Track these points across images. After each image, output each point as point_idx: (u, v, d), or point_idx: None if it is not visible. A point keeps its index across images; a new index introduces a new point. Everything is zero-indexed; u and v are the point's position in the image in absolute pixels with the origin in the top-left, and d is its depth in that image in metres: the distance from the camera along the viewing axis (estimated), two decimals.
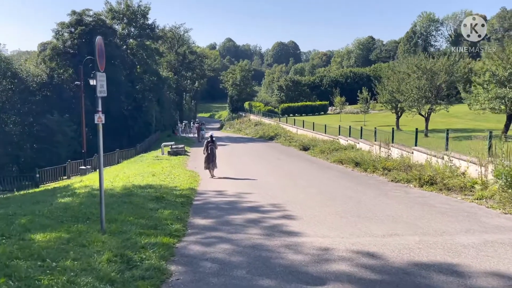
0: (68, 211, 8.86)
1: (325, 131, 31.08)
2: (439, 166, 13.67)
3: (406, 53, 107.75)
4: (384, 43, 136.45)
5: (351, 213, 8.71)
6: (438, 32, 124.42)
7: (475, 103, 24.20)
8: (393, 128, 20.65)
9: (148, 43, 50.80)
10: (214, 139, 17.08)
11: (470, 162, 12.68)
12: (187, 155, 27.01)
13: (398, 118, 37.13)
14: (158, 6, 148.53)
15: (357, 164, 18.42)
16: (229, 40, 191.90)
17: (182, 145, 29.57)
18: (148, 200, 10.28)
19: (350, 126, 27.12)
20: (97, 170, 30.05)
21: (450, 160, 13.09)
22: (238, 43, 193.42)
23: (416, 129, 17.80)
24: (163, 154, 28.11)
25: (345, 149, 23.65)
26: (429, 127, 30.72)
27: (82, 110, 28.19)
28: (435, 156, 15.11)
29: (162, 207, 9.37)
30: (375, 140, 21.72)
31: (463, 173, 12.94)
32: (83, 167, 28.15)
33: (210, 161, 16.25)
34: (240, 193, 11.93)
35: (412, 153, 17.21)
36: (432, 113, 30.68)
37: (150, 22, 50.27)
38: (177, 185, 13.13)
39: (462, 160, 13.27)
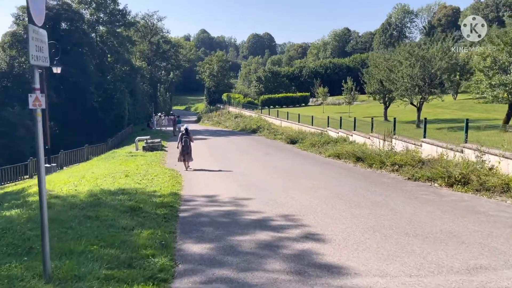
0: (7, 234, 6.36)
1: (312, 123, 29.07)
2: (462, 161, 11.79)
3: (382, 45, 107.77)
4: (360, 34, 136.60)
5: (393, 229, 6.59)
6: (413, 23, 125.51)
7: (476, 91, 22.57)
8: (394, 119, 18.73)
9: (119, 30, 47.32)
10: (189, 131, 16.71)
11: (503, 156, 10.83)
12: (164, 150, 24.46)
13: (386, 108, 35.56)
14: None
15: (358, 159, 16.44)
16: (204, 31, 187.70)
17: (159, 139, 26.92)
18: (120, 213, 7.86)
19: (341, 117, 25.24)
20: (63, 168, 26.79)
21: (481, 154, 11.17)
22: (212, 34, 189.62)
23: (425, 119, 15.93)
24: (137, 149, 25.43)
25: (336, 142, 21.84)
26: (415, 118, 29.28)
27: (45, 101, 25.02)
28: (451, 149, 13.25)
29: (139, 224, 6.99)
30: (372, 132, 19.87)
31: (490, 169, 11.10)
32: (47, 165, 25.02)
33: (185, 153, 15.99)
34: (236, 198, 9.63)
35: (421, 145, 15.35)
36: (425, 102, 29.11)
37: (121, 7, 46.79)
38: (157, 189, 10.72)
39: (490, 154, 11.43)
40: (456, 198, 9.10)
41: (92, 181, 12.75)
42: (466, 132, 13.17)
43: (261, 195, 9.99)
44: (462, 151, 12.72)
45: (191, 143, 16.31)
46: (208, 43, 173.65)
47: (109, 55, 45.99)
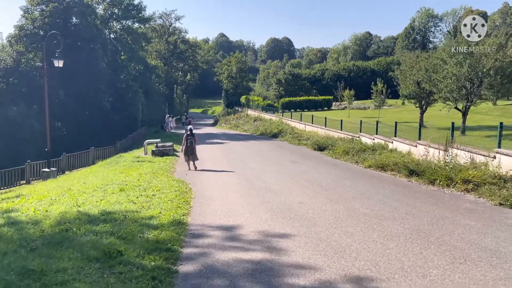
0: None
1: (341, 128, 25.77)
2: None
3: (404, 49, 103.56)
4: (381, 39, 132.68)
5: None
6: (437, 28, 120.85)
7: None
8: (452, 123, 15.36)
9: (134, 27, 44.84)
10: (193, 132, 17.28)
11: None
12: (176, 155, 21.52)
13: (422, 113, 32.04)
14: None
15: (412, 172, 13.16)
16: (222, 35, 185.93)
17: (171, 143, 23.99)
18: (85, 263, 4.85)
19: (377, 122, 22.04)
20: (65, 172, 24.08)
21: None
22: (231, 38, 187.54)
23: (501, 123, 12.52)
24: (146, 154, 22.58)
25: (373, 150, 18.67)
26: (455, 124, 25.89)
27: (45, 98, 22.41)
28: None
29: None
30: (419, 139, 16.58)
31: None
32: (46, 170, 22.39)
33: (190, 154, 16.26)
34: (267, 234, 6.51)
35: (494, 157, 11.94)
36: (472, 106, 25.51)
37: (136, 2, 44.24)
38: (155, 214, 7.68)
39: None
40: None
41: (75, 197, 9.80)
42: None
43: (303, 228, 6.85)
44: None
45: (195, 143, 16.83)
46: (226, 47, 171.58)
47: (122, 53, 43.46)
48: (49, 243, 5.82)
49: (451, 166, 11.95)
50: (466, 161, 12.74)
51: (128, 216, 7.43)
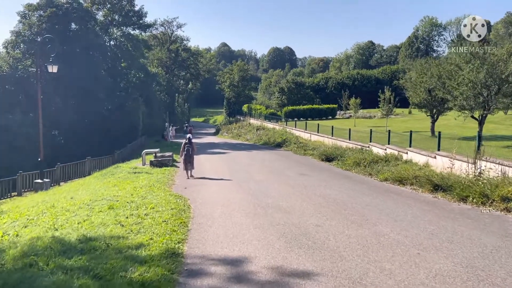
0: None
1: (349, 137, 24.45)
2: None
3: (408, 58, 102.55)
4: (384, 48, 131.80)
5: None
6: (441, 37, 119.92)
7: None
8: (479, 133, 14.05)
9: (135, 33, 43.81)
10: (191, 140, 17.18)
11: None
12: (176, 166, 20.23)
13: (433, 122, 30.68)
14: (148, 7, 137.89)
15: (437, 187, 11.79)
16: (224, 44, 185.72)
17: (170, 153, 22.70)
18: None
19: (389, 131, 20.74)
20: (60, 184, 22.70)
21: None
22: (233, 48, 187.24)
23: None
24: (144, 164, 21.30)
25: (386, 161, 17.39)
26: (465, 134, 24.70)
27: (39, 105, 21.24)
28: None
29: None
30: (439, 150, 15.25)
31: None
32: (39, 181, 21.08)
33: (188, 162, 16.24)
34: (283, 271, 5.16)
35: None
36: (488, 115, 24.19)
37: (137, 8, 43.24)
38: (144, 241, 6.33)
39: None
40: None
41: (55, 216, 8.46)
42: None
43: (327, 262, 5.50)
44: None
45: (194, 152, 16.75)
46: (228, 56, 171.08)
47: (122, 60, 42.35)
48: (3, 284, 4.49)
49: (484, 181, 10.59)
50: (497, 175, 11.38)
51: (111, 244, 6.08)
